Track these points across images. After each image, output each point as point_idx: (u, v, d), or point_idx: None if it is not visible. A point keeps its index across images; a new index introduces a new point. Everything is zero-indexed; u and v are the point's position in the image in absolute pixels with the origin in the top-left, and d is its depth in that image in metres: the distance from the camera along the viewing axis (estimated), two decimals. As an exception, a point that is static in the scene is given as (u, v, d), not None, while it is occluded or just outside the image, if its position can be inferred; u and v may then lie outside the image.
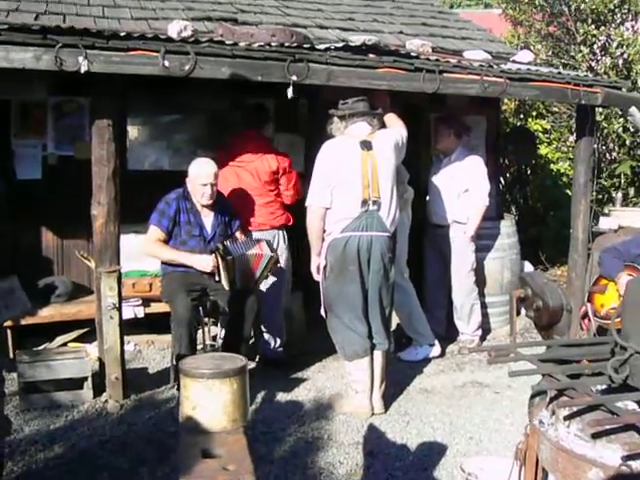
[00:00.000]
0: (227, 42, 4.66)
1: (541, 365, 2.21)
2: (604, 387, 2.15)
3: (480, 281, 6.35)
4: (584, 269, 6.24)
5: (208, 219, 4.95)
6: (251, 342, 5.25)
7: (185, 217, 4.87)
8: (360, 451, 4.07)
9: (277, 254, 5.04)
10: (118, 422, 4.38)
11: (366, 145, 4.50)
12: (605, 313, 4.64)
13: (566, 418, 2.04)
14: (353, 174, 4.45)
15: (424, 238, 6.24)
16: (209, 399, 2.45)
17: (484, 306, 6.46)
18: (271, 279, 5.23)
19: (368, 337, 4.57)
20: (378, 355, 4.63)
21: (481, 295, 6.34)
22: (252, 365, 5.31)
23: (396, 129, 4.80)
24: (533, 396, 2.62)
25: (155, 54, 4.29)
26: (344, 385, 4.82)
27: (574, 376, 2.22)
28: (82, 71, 4.12)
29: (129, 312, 5.44)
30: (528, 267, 7.18)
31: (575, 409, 2.06)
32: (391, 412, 4.67)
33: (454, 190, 5.94)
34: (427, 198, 6.15)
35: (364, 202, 4.45)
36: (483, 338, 6.23)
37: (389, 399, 4.79)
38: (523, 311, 5.18)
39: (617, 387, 2.12)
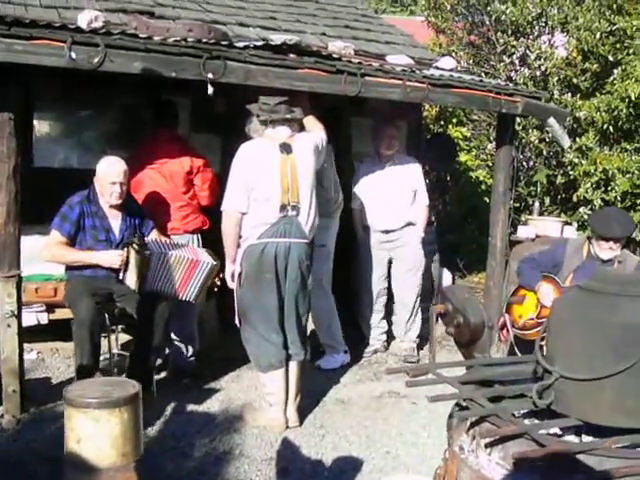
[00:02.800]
0: (141, 35, 4.42)
1: (462, 388, 2.09)
2: (526, 411, 2.04)
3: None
4: (502, 277, 6.25)
5: (115, 222, 4.69)
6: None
7: (90, 221, 4.59)
8: (273, 467, 3.90)
9: (218, 263, 4.75)
10: (14, 439, 4.08)
11: (286, 148, 4.34)
12: (523, 324, 4.61)
13: (487, 445, 1.92)
14: (272, 178, 4.28)
15: (359, 245, 6.11)
16: (96, 431, 2.20)
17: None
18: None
19: (283, 347, 4.41)
20: (294, 366, 4.46)
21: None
22: (162, 375, 5.09)
23: (316, 133, 4.66)
24: (451, 416, 2.52)
25: (61, 44, 4.00)
26: (258, 397, 4.65)
27: (496, 399, 2.11)
28: (-22, 59, 3.82)
29: (31, 318, 5.14)
30: (446, 274, 7.17)
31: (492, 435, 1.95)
32: (306, 425, 4.52)
33: (405, 192, 5.92)
34: (360, 203, 6.01)
35: (283, 207, 4.28)
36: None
37: (304, 411, 4.64)
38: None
39: (539, 412, 2.02)
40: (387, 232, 5.96)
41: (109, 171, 4.57)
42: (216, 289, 4.90)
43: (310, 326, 5.42)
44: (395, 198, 5.88)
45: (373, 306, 6.08)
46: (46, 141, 5.83)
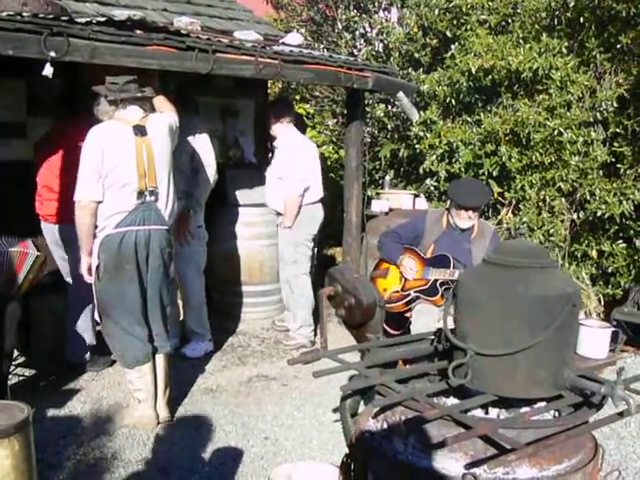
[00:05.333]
0: (-31, 10, 4.00)
1: (369, 372, 2.02)
2: (436, 390, 2.01)
3: (254, 270, 6.26)
4: (359, 252, 6.31)
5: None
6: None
7: None
8: (151, 468, 3.71)
9: (43, 254, 4.46)
10: None
11: (140, 130, 4.08)
12: (389, 297, 4.65)
13: (404, 430, 1.87)
14: (127, 162, 4.01)
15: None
16: None
17: (257, 295, 6.39)
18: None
19: (149, 341, 4.19)
20: (160, 359, 4.26)
21: (252, 285, 6.32)
22: (14, 380, 4.72)
23: (169, 113, 4.44)
24: (344, 398, 2.46)
25: None
26: (123, 393, 4.42)
27: (402, 381, 2.06)
28: None
29: None
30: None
31: (408, 418, 1.90)
32: (178, 418, 4.35)
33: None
34: None
35: (140, 193, 4.04)
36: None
37: (174, 404, 4.45)
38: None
39: (449, 390, 2.00)
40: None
41: None
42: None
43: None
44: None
45: None
46: None
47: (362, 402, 2.44)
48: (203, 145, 5.40)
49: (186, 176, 5.28)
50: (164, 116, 4.36)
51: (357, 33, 8.65)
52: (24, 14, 4.11)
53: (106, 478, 3.58)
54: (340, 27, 8.84)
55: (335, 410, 4.28)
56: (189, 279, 5.50)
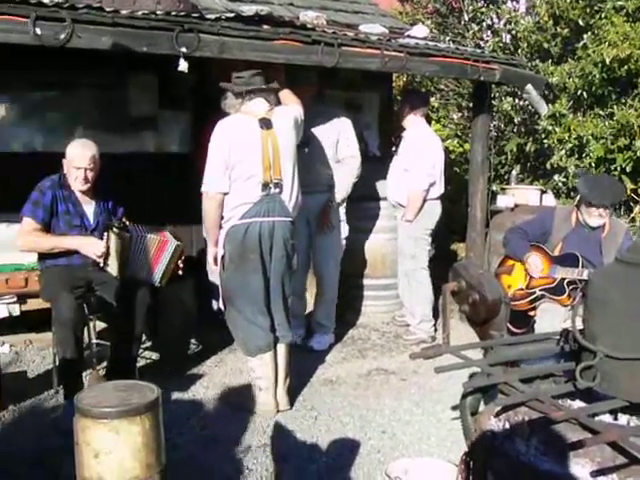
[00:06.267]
0: (107, 9, 4.17)
1: (493, 371, 1.97)
2: (562, 392, 1.94)
3: (376, 263, 6.24)
4: (483, 248, 6.19)
5: (89, 207, 4.48)
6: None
7: (63, 207, 4.37)
8: (269, 454, 3.76)
9: (182, 243, 4.60)
10: (-6, 438, 3.89)
11: (265, 123, 4.16)
12: (513, 294, 4.53)
13: (527, 431, 1.81)
14: (253, 155, 4.10)
15: None
16: (116, 444, 2.00)
17: (379, 289, 6.36)
18: None
19: (271, 330, 4.27)
20: (282, 348, 4.33)
21: (374, 278, 6.29)
22: (142, 363, 4.92)
23: (294, 106, 4.49)
24: (465, 395, 2.41)
25: (24, 20, 3.77)
26: (245, 381, 4.51)
27: (527, 380, 2.00)
28: None
29: (3, 310, 4.93)
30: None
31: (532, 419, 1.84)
32: (297, 408, 4.40)
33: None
34: None
35: (265, 185, 4.12)
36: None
37: (293, 393, 4.52)
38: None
39: (575, 392, 1.92)
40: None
41: (74, 155, 4.36)
42: (180, 272, 4.70)
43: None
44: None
45: None
46: (7, 124, 5.53)
47: (483, 400, 2.38)
48: (349, 136, 5.41)
49: (329, 168, 5.31)
50: (289, 109, 4.42)
51: (484, 24, 8.48)
52: (157, 12, 4.28)
53: (226, 461, 3.67)
54: (466, 18, 8.69)
55: (454, 407, 4.21)
56: (327, 272, 5.53)
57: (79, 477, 2.10)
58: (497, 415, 1.97)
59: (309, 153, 5.06)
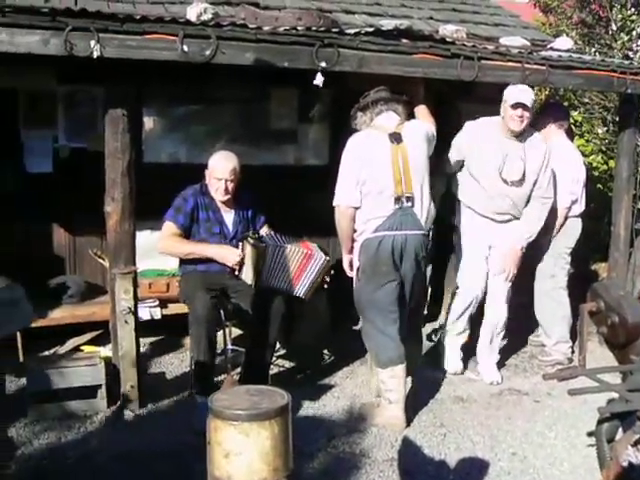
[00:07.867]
0: (250, 26, 4.33)
1: (632, 397, 1.88)
2: None
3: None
4: (626, 269, 5.91)
5: (229, 216, 4.65)
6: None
7: (204, 214, 4.56)
8: (395, 469, 3.75)
9: (331, 258, 4.65)
10: (134, 434, 4.08)
11: (396, 138, 4.19)
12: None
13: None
14: (383, 170, 4.14)
15: None
16: (245, 446, 2.07)
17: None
18: None
19: (402, 342, 4.26)
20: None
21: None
22: (275, 370, 5.02)
23: (425, 122, 4.50)
24: (601, 421, 2.31)
25: (173, 38, 3.98)
26: (375, 393, 4.51)
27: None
28: (94, 56, 3.81)
29: (145, 313, 5.16)
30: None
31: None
32: (426, 424, 4.35)
33: None
34: None
35: (397, 199, 4.14)
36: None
37: (423, 409, 4.48)
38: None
39: None
40: None
41: (216, 167, 4.55)
42: (325, 286, 4.76)
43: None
44: None
45: None
46: (155, 136, 5.83)
47: (621, 428, 2.27)
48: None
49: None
50: (420, 123, 4.45)
51: (634, 33, 8.08)
52: (299, 28, 4.38)
53: (352, 473, 3.69)
54: (614, 28, 8.31)
55: (590, 433, 4.02)
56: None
57: (210, 475, 2.19)
58: (636, 444, 1.87)
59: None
